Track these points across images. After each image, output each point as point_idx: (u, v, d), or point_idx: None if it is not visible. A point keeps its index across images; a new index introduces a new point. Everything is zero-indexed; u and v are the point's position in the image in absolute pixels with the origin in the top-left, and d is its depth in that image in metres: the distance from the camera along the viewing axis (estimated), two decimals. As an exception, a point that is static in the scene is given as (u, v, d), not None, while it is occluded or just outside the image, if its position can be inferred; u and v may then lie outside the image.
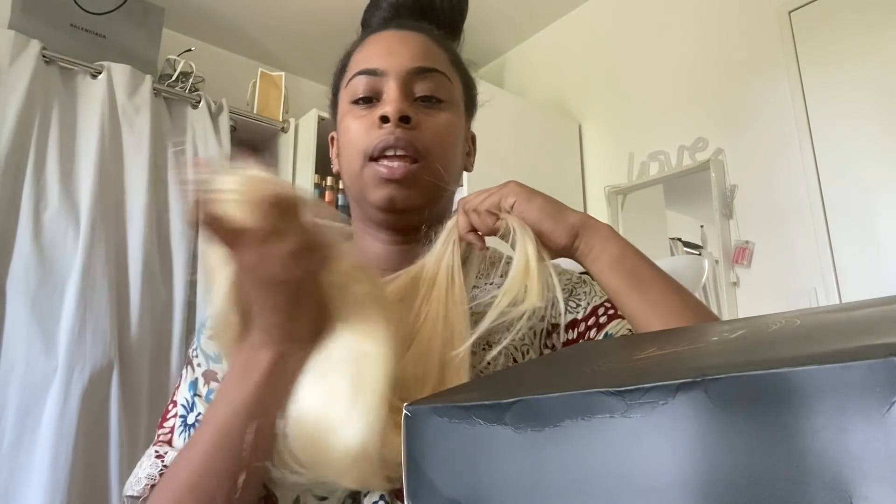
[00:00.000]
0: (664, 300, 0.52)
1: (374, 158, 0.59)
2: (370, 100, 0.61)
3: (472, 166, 0.71)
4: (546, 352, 0.62)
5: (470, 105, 0.69)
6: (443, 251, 0.57)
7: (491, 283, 0.66)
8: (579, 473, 0.22)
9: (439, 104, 0.62)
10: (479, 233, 0.58)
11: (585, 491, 0.22)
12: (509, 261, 0.70)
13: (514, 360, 0.59)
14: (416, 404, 0.29)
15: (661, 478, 0.20)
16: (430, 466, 0.27)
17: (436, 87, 0.62)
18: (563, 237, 0.55)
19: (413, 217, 0.61)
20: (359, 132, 0.60)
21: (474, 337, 0.51)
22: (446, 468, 0.26)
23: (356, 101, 0.62)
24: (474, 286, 0.66)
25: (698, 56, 2.10)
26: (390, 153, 0.58)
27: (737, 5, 2.01)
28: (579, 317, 0.62)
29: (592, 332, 0.61)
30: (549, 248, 0.56)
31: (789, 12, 1.85)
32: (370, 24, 0.70)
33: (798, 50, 1.82)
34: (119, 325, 1.77)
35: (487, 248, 0.63)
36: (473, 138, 0.72)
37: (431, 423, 0.27)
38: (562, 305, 0.62)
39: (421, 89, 0.61)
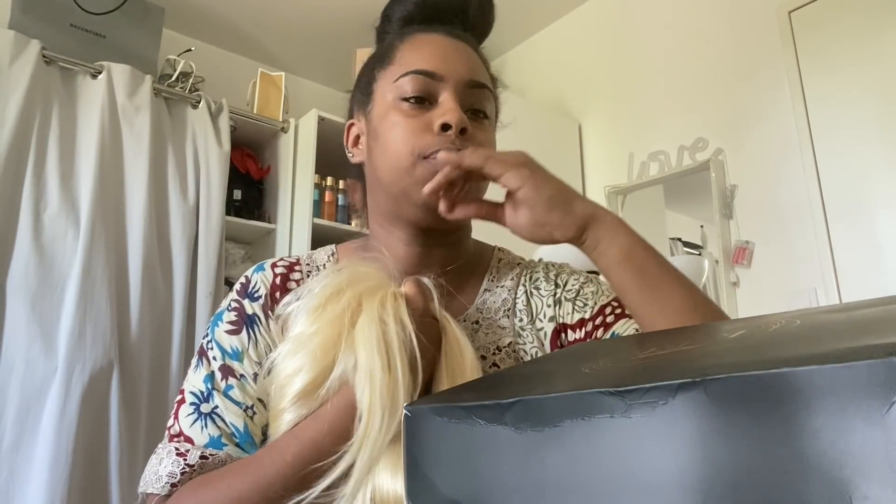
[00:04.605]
0: (673, 300, 0.51)
1: (426, 157, 0.58)
2: (423, 101, 0.61)
3: None
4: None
5: (496, 120, 0.71)
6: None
7: (501, 286, 0.67)
8: (579, 473, 0.22)
9: (486, 119, 0.64)
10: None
11: (585, 491, 0.22)
12: (520, 262, 0.71)
13: None
14: (416, 404, 0.29)
15: (661, 478, 0.20)
16: (430, 466, 0.27)
17: (484, 103, 0.63)
18: (571, 230, 0.54)
19: (444, 221, 0.61)
20: (411, 131, 0.59)
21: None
22: (446, 468, 0.26)
23: (407, 99, 0.61)
24: (485, 289, 0.66)
25: (698, 56, 2.10)
26: None
27: (737, 5, 2.01)
28: (587, 316, 0.62)
29: (599, 332, 0.61)
30: (555, 239, 0.55)
31: (789, 12, 1.85)
32: (392, 18, 0.69)
33: (798, 50, 1.82)
34: (119, 325, 1.77)
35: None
36: None
37: (431, 423, 0.27)
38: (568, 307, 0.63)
39: (473, 102, 0.62)
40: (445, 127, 0.58)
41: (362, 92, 0.67)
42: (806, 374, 0.18)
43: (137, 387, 1.77)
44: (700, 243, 2.06)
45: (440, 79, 0.61)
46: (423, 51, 0.63)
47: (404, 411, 0.29)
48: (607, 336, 0.60)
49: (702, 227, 2.05)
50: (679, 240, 2.14)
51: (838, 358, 0.18)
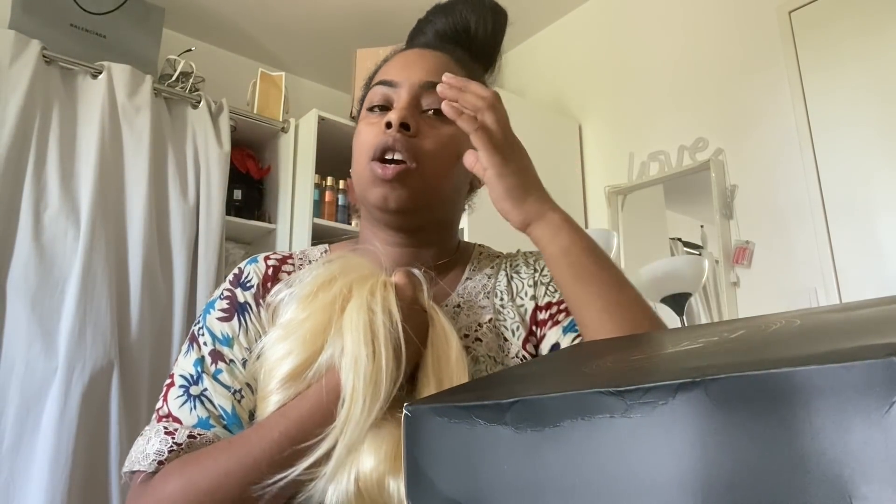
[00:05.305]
0: (601, 298, 0.56)
1: (374, 159, 0.62)
2: (384, 108, 0.65)
3: (481, 184, 0.73)
4: (535, 328, 0.66)
5: None
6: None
7: (482, 274, 0.71)
8: (579, 473, 0.22)
9: (447, 119, 0.64)
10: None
11: (585, 491, 0.22)
12: (499, 254, 0.76)
13: (505, 339, 0.64)
14: (417, 404, 0.29)
15: (661, 478, 0.20)
16: (430, 466, 0.27)
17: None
18: (517, 222, 0.59)
19: (410, 218, 0.65)
20: (367, 136, 0.64)
21: None
22: (446, 468, 0.26)
23: (371, 109, 0.66)
24: (467, 278, 0.70)
25: (698, 56, 2.10)
26: (388, 155, 0.61)
27: (737, 5, 2.01)
28: (554, 300, 0.67)
29: (562, 316, 0.65)
30: (509, 220, 0.60)
31: (789, 12, 1.85)
32: (412, 47, 0.74)
33: (798, 50, 1.82)
34: (119, 325, 1.77)
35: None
36: None
37: (431, 423, 0.27)
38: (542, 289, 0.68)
39: (429, 102, 0.65)
40: (388, 125, 0.62)
41: (357, 112, 0.73)
42: (806, 374, 0.18)
43: (137, 387, 1.77)
44: (700, 243, 2.06)
45: (396, 85, 0.65)
46: (391, 64, 0.69)
47: (405, 411, 0.29)
48: (568, 321, 0.64)
49: (702, 227, 2.05)
50: (679, 240, 2.14)
51: (838, 358, 0.18)
